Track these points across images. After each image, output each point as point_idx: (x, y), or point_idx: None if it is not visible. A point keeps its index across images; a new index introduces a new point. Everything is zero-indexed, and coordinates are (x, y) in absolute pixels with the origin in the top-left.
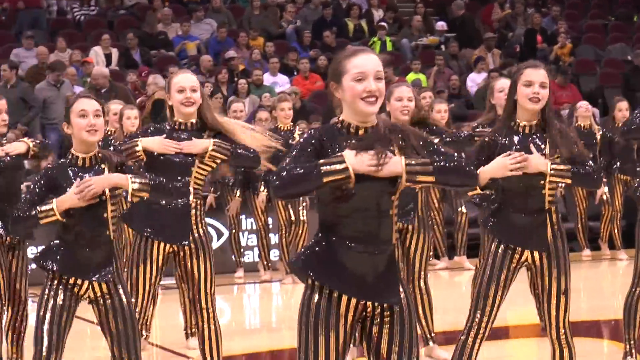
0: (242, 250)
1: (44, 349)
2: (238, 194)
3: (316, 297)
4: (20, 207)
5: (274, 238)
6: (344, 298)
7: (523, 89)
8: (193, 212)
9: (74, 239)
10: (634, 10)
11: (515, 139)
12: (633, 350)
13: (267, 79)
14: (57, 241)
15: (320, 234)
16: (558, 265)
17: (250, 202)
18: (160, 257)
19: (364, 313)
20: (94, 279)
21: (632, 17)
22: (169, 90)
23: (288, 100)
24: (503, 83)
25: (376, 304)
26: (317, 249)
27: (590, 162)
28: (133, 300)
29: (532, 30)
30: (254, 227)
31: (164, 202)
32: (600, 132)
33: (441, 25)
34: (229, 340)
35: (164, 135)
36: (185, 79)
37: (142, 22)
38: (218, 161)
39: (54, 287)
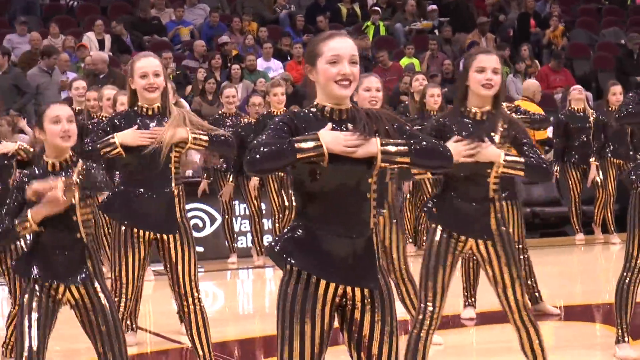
0: (235, 235)
1: (27, 354)
2: (231, 179)
3: (294, 282)
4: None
5: (267, 223)
6: (322, 283)
7: (475, 75)
8: (176, 200)
9: (46, 243)
10: None
11: (466, 125)
12: (625, 335)
13: (261, 64)
14: (31, 247)
15: (297, 219)
16: (506, 254)
17: (243, 188)
18: (146, 245)
19: (344, 300)
20: (70, 281)
21: (625, 0)
22: (132, 75)
23: (281, 85)
24: None
25: (355, 290)
26: (294, 234)
27: (539, 153)
28: (117, 298)
29: (526, 14)
30: (247, 213)
31: (142, 190)
32: (594, 116)
33: (434, 8)
34: (222, 325)
35: (135, 127)
36: (148, 63)
37: (135, 8)
38: (188, 152)
39: (32, 292)
